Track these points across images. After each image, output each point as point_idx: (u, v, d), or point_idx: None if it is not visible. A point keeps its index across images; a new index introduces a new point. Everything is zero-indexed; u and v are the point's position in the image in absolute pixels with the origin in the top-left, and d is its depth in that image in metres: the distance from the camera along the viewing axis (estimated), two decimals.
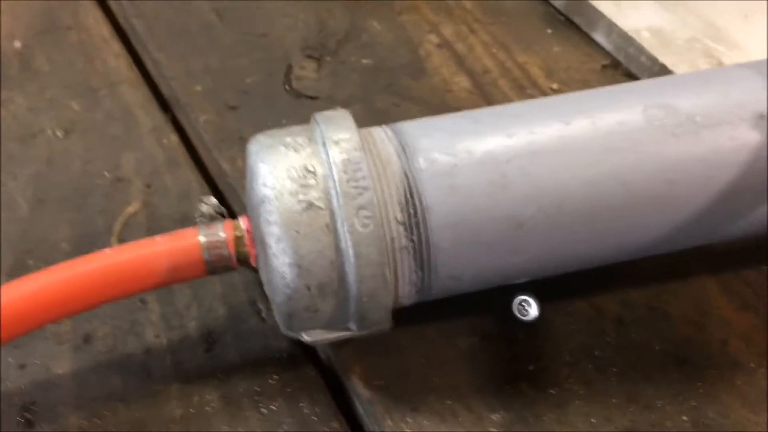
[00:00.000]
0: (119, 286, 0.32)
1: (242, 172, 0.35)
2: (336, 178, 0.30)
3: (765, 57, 0.38)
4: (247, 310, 0.38)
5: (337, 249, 0.30)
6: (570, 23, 0.55)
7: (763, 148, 0.32)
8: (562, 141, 0.32)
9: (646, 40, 0.50)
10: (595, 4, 0.53)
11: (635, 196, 0.32)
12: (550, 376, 0.35)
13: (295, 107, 0.49)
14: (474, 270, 0.32)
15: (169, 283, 0.33)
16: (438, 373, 0.35)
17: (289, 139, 0.32)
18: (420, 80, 0.51)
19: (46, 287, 0.32)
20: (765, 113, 0.32)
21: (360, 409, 0.35)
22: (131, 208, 0.43)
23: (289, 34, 0.54)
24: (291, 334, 0.33)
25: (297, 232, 0.30)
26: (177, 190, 0.44)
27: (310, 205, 0.30)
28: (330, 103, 0.49)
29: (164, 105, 0.50)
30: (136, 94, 0.50)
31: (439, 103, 0.49)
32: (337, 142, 0.31)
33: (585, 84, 0.50)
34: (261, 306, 0.38)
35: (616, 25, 0.51)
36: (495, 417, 0.34)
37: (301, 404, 0.35)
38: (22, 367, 0.36)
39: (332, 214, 0.30)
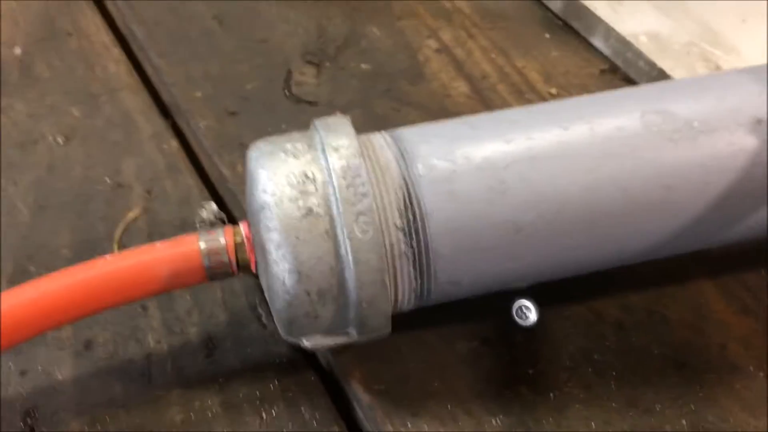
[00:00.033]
0: (120, 292, 0.32)
1: (242, 178, 0.35)
2: (335, 184, 0.30)
3: (762, 61, 0.38)
4: (247, 315, 0.38)
5: (337, 255, 0.30)
6: (568, 28, 0.56)
7: (761, 153, 0.32)
8: (561, 147, 0.32)
9: (644, 44, 0.50)
10: (593, 8, 0.53)
11: (634, 201, 0.32)
12: (550, 380, 0.36)
13: (294, 113, 0.49)
14: (473, 276, 0.32)
15: (169, 289, 0.33)
16: (438, 377, 0.36)
17: (288, 146, 0.32)
18: (419, 85, 0.51)
19: (47, 294, 0.32)
20: (762, 118, 0.32)
21: (360, 413, 0.35)
22: (132, 214, 0.43)
23: (288, 40, 0.54)
24: (291, 339, 0.33)
25: (297, 238, 0.30)
26: (177, 195, 0.44)
27: (310, 212, 0.30)
28: (330, 108, 0.49)
29: (164, 111, 0.50)
30: (136, 100, 0.50)
31: (437, 108, 0.49)
32: (336, 149, 0.31)
33: (583, 88, 0.51)
34: (261, 311, 0.38)
35: (614, 30, 0.52)
36: (495, 421, 0.34)
37: (301, 409, 0.35)
38: (23, 373, 0.36)
39: (332, 220, 0.30)
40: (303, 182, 0.30)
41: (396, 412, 0.34)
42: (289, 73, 0.52)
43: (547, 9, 0.57)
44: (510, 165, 0.31)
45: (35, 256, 0.41)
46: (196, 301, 0.39)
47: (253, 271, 0.33)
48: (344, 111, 0.48)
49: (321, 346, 0.33)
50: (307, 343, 0.33)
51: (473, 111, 0.49)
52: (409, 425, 0.34)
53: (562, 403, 0.35)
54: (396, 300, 0.32)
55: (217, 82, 0.51)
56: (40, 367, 0.36)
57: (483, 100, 0.50)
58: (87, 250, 0.41)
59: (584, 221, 0.32)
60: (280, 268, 0.30)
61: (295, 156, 0.31)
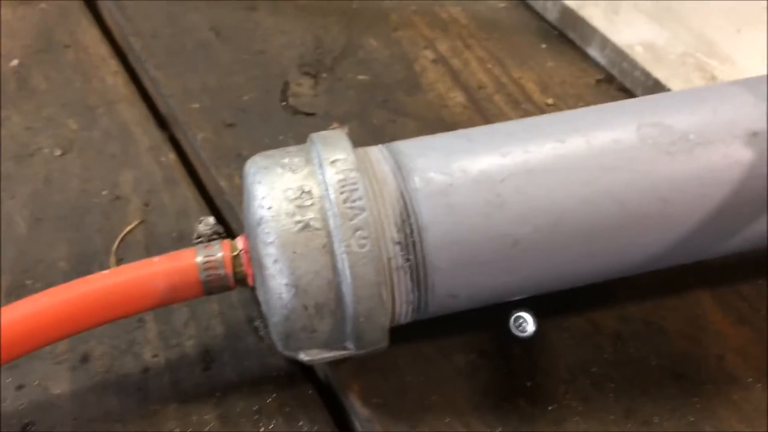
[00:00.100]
0: (117, 307, 0.32)
1: (240, 190, 0.35)
2: (332, 198, 0.30)
3: (757, 71, 0.38)
4: (244, 328, 0.38)
5: (334, 269, 0.30)
6: (564, 38, 0.56)
7: (757, 165, 0.32)
8: (557, 160, 0.32)
9: (639, 54, 0.50)
10: (589, 19, 0.53)
11: (630, 214, 0.32)
12: (548, 393, 0.36)
13: (292, 124, 0.49)
14: (471, 289, 0.32)
15: (167, 303, 0.33)
16: (436, 390, 0.36)
17: (285, 160, 0.32)
18: (416, 96, 0.51)
19: (45, 309, 0.32)
20: (758, 131, 0.32)
21: (358, 427, 0.35)
22: (129, 227, 0.43)
23: (285, 52, 0.54)
24: (288, 353, 0.33)
25: (294, 252, 0.30)
26: (175, 208, 0.44)
27: (307, 226, 0.30)
28: (327, 119, 0.49)
29: (162, 123, 0.50)
30: (133, 113, 0.50)
31: (434, 118, 0.50)
32: (333, 163, 0.31)
33: (579, 98, 0.51)
34: (258, 324, 0.38)
35: (609, 40, 0.52)
36: None
37: (299, 423, 0.35)
38: (19, 387, 0.36)
39: (329, 234, 0.30)
40: (300, 197, 0.30)
41: (394, 426, 0.34)
42: (286, 84, 0.52)
43: (543, 19, 0.57)
44: (507, 178, 0.31)
45: (32, 269, 0.41)
46: (193, 315, 0.39)
47: (251, 284, 0.33)
48: (341, 122, 0.49)
49: (318, 360, 0.33)
50: (304, 356, 0.33)
51: (470, 121, 0.49)
52: None
53: (560, 415, 0.35)
54: (393, 313, 0.32)
55: (214, 93, 0.51)
56: (36, 382, 0.36)
57: (480, 111, 0.50)
58: (84, 263, 0.41)
59: (581, 234, 0.32)
60: (278, 282, 0.30)
61: (292, 170, 0.31)
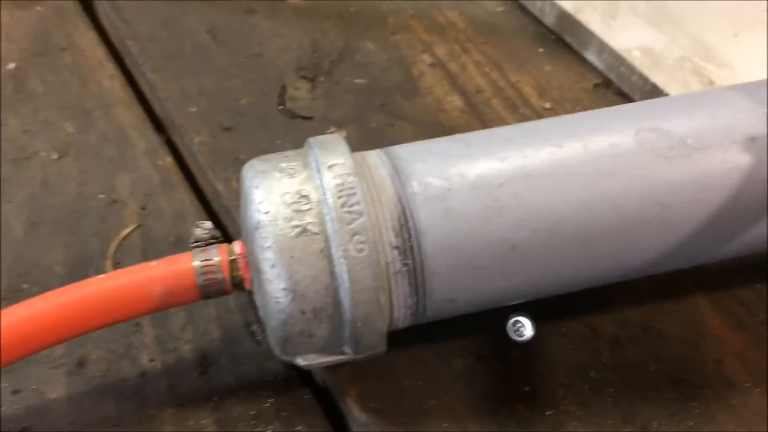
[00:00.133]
0: (114, 311, 0.32)
1: (237, 194, 0.35)
2: (330, 203, 0.30)
3: (755, 76, 0.38)
4: (241, 333, 0.38)
5: (332, 274, 0.30)
6: (562, 42, 0.56)
7: (754, 170, 0.32)
8: (555, 164, 0.32)
9: (637, 59, 0.50)
10: (587, 23, 0.53)
11: (628, 219, 0.32)
12: (546, 397, 0.35)
13: (289, 127, 0.49)
14: (469, 293, 0.32)
15: (164, 307, 0.33)
16: (434, 395, 0.35)
17: (283, 165, 0.32)
18: (413, 100, 0.51)
19: (41, 313, 0.32)
20: (756, 136, 0.32)
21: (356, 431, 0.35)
22: (126, 230, 0.43)
23: (282, 55, 0.54)
24: (286, 358, 0.33)
25: (292, 257, 0.30)
26: (172, 211, 0.44)
27: (305, 231, 0.30)
28: (324, 123, 0.49)
29: (159, 126, 0.50)
30: (130, 116, 0.50)
31: (432, 122, 0.50)
32: (331, 167, 0.31)
33: (577, 102, 0.51)
34: (256, 329, 0.38)
35: (607, 45, 0.52)
36: None
37: (297, 428, 0.35)
38: (16, 392, 0.36)
39: (327, 239, 0.30)
40: (298, 201, 0.30)
41: (392, 431, 0.34)
42: (284, 87, 0.52)
43: (541, 23, 0.58)
44: (505, 183, 0.31)
45: (29, 272, 0.41)
46: (191, 319, 0.39)
47: (248, 289, 0.33)
48: (339, 126, 0.49)
49: (316, 365, 0.33)
50: (302, 361, 0.33)
51: (467, 125, 0.49)
52: None
53: (558, 420, 0.35)
54: (391, 318, 0.32)
55: (211, 97, 0.51)
56: (33, 386, 0.36)
57: (477, 115, 0.50)
58: (81, 266, 0.41)
59: (579, 239, 0.32)
60: (275, 287, 0.30)
61: (289, 175, 0.31)
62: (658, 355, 0.37)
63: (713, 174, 0.32)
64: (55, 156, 0.47)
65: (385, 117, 0.50)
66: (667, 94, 0.48)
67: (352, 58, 0.54)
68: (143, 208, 0.44)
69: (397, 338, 0.34)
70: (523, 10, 0.59)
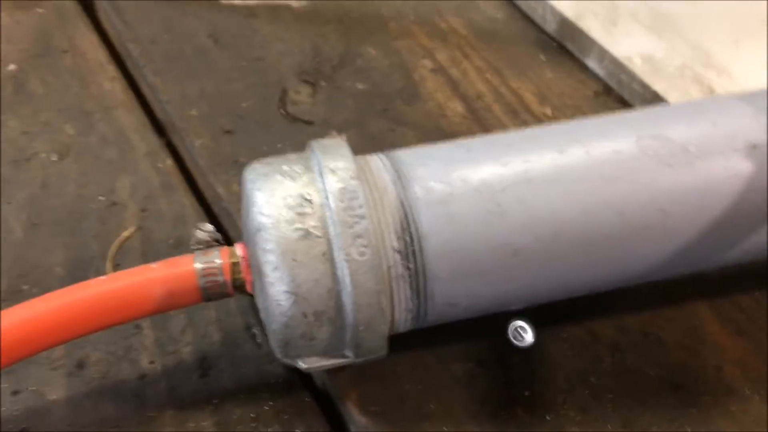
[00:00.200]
0: (115, 313, 0.32)
1: (237, 197, 0.35)
2: (333, 206, 0.30)
3: (755, 83, 0.38)
4: (242, 335, 0.38)
5: (334, 277, 0.30)
6: (563, 49, 0.56)
7: (756, 178, 0.32)
8: (557, 170, 0.32)
9: (637, 66, 0.51)
10: (588, 30, 0.54)
11: (630, 225, 0.32)
12: (546, 402, 0.35)
13: (290, 132, 0.49)
14: (470, 298, 0.32)
15: (164, 310, 0.33)
16: (434, 399, 0.35)
17: (285, 168, 0.32)
18: (414, 105, 0.51)
19: (41, 315, 0.31)
20: (757, 143, 0.33)
21: None
22: (126, 233, 0.43)
23: (284, 59, 0.54)
24: (287, 360, 0.33)
25: (294, 260, 0.30)
26: (172, 214, 0.44)
27: (307, 234, 0.30)
28: (325, 127, 0.49)
29: (159, 129, 0.50)
30: (131, 118, 0.50)
31: (433, 127, 0.50)
32: (333, 171, 0.31)
33: (578, 109, 0.51)
34: (256, 331, 0.38)
35: (608, 52, 0.52)
36: None
37: (296, 431, 0.35)
38: (15, 393, 0.36)
39: (329, 242, 0.30)
40: (300, 204, 0.30)
41: None
42: (285, 91, 0.52)
43: (542, 30, 0.58)
44: (507, 188, 0.32)
45: (28, 274, 0.41)
46: (191, 321, 0.38)
47: (250, 291, 0.33)
48: (340, 130, 0.49)
49: (317, 368, 0.33)
50: (303, 364, 0.33)
51: (468, 131, 0.49)
52: None
53: (558, 425, 0.35)
54: (393, 321, 0.32)
55: (212, 100, 0.51)
56: (32, 387, 0.36)
57: (478, 120, 0.50)
58: (81, 268, 0.41)
59: (581, 244, 0.32)
60: (277, 290, 0.30)
61: (292, 178, 0.31)
62: (658, 361, 0.37)
63: (715, 181, 0.32)
64: (55, 158, 0.47)
65: (386, 122, 0.50)
66: (667, 102, 0.48)
67: (353, 63, 0.55)
68: (143, 211, 0.44)
69: (398, 342, 0.34)
70: (525, 16, 0.59)
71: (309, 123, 0.50)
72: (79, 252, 0.42)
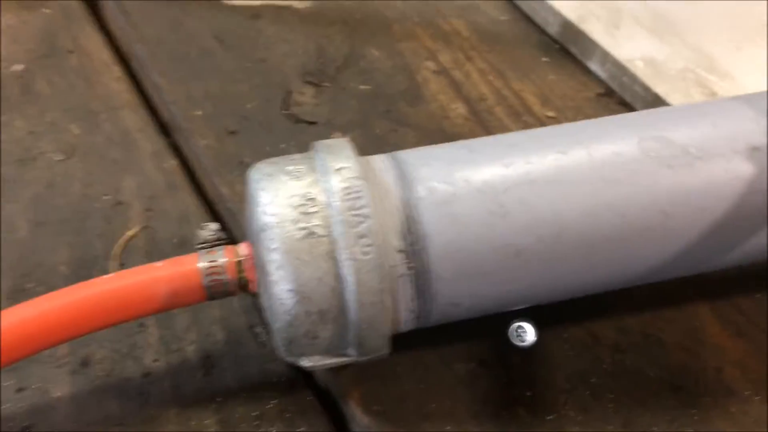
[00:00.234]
0: (119, 311, 0.32)
1: (241, 197, 0.35)
2: (337, 206, 0.30)
3: (757, 88, 0.39)
4: (245, 334, 0.38)
5: (338, 276, 0.30)
6: (565, 52, 0.56)
7: (757, 180, 0.32)
8: (559, 171, 0.32)
9: (640, 69, 0.51)
10: (590, 33, 0.54)
11: (632, 227, 0.32)
12: (547, 402, 0.36)
13: (294, 132, 0.49)
14: (473, 298, 0.32)
15: (168, 308, 0.33)
16: (435, 398, 0.36)
17: (290, 168, 0.32)
18: (417, 106, 0.52)
19: (45, 312, 0.32)
20: (758, 146, 0.33)
21: None
22: (130, 232, 0.43)
23: (288, 61, 0.55)
24: (290, 359, 0.33)
25: (298, 259, 0.30)
26: (176, 214, 0.45)
27: (311, 233, 0.30)
28: (329, 128, 0.49)
29: (164, 129, 0.51)
30: (136, 119, 0.51)
31: (436, 129, 0.50)
32: (337, 171, 0.31)
33: (580, 111, 0.51)
34: (260, 330, 0.38)
35: (610, 55, 0.52)
36: None
37: (299, 429, 0.35)
38: (19, 390, 0.36)
39: (333, 241, 0.30)
40: (304, 204, 0.31)
41: None
42: (289, 93, 0.52)
43: (545, 33, 0.58)
44: (509, 189, 0.32)
45: (33, 273, 0.41)
46: (195, 320, 0.39)
47: (253, 291, 0.33)
48: (343, 131, 0.49)
49: (320, 366, 0.33)
50: (306, 362, 0.33)
51: (471, 133, 0.50)
52: None
53: (559, 425, 0.35)
54: (395, 321, 0.32)
55: (217, 101, 0.51)
56: (36, 385, 0.36)
57: (481, 122, 0.50)
58: (85, 267, 0.41)
59: (583, 245, 0.32)
60: (281, 289, 0.30)
61: (296, 178, 0.32)
62: (659, 362, 0.37)
63: (716, 183, 0.33)
64: (60, 157, 0.48)
65: (389, 123, 0.50)
66: (669, 105, 0.48)
67: (357, 64, 0.55)
68: (148, 210, 0.45)
69: (400, 341, 0.34)
70: (527, 19, 0.59)
71: (312, 124, 0.50)
72: (84, 251, 0.42)
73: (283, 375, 0.37)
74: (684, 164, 0.33)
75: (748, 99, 0.36)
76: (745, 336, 0.38)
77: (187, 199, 0.45)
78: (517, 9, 0.60)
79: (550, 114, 0.51)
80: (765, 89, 0.37)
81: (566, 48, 0.56)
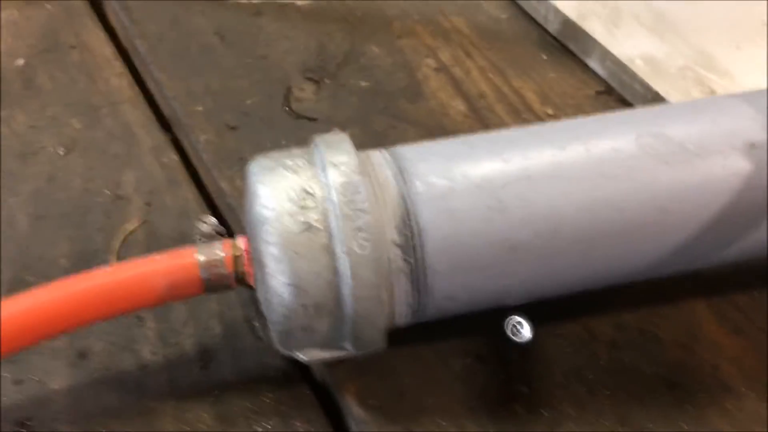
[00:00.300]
0: (117, 303, 0.33)
1: (241, 192, 0.35)
2: (335, 200, 0.30)
3: (755, 86, 0.39)
4: (243, 328, 0.39)
5: (335, 270, 0.30)
6: (565, 49, 0.56)
7: (754, 176, 0.33)
8: (557, 167, 0.32)
9: (639, 67, 0.51)
10: (590, 31, 0.54)
11: (629, 222, 0.32)
12: (543, 398, 0.36)
13: (294, 128, 0.49)
14: (469, 292, 0.33)
15: (166, 301, 0.33)
16: (432, 393, 0.36)
17: (289, 162, 0.32)
18: (417, 103, 0.52)
19: (43, 304, 0.32)
20: (756, 142, 0.33)
21: (354, 428, 0.35)
22: (130, 226, 0.44)
23: (289, 57, 0.55)
24: (286, 352, 0.33)
25: (295, 252, 0.30)
26: (176, 208, 0.45)
27: (309, 227, 0.30)
28: (329, 124, 0.50)
29: (165, 124, 0.51)
30: (137, 114, 0.51)
31: (435, 126, 0.50)
32: (336, 165, 0.31)
33: (579, 109, 0.51)
34: (257, 324, 0.39)
35: (610, 53, 0.52)
36: None
37: (295, 423, 0.35)
38: (18, 382, 0.36)
39: (331, 235, 0.30)
40: (303, 198, 0.31)
41: (390, 428, 0.34)
42: (289, 89, 0.52)
43: (545, 30, 0.58)
44: (507, 184, 0.32)
45: (33, 266, 0.41)
46: (193, 313, 0.39)
47: (251, 284, 0.33)
48: (343, 127, 0.49)
49: (316, 360, 0.33)
50: (302, 356, 0.33)
51: (471, 130, 0.50)
52: None
53: (554, 420, 0.35)
54: (392, 315, 0.32)
55: (217, 97, 0.51)
56: (34, 377, 0.36)
57: (480, 119, 0.51)
58: (85, 261, 0.42)
59: (580, 241, 0.32)
60: (278, 282, 0.30)
61: (295, 172, 0.32)
62: (655, 359, 0.37)
63: (714, 179, 0.33)
64: (61, 152, 0.48)
65: (388, 120, 0.50)
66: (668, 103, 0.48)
67: (357, 61, 0.55)
68: (148, 205, 0.45)
69: (397, 337, 0.34)
70: (527, 17, 0.59)
71: (313, 120, 0.50)
72: (84, 245, 0.42)
73: (280, 369, 0.37)
74: (682, 161, 0.33)
75: (746, 96, 0.36)
76: (742, 333, 0.38)
77: (187, 194, 0.46)
78: (518, 7, 0.60)
79: (550, 111, 0.51)
80: (763, 87, 0.37)
81: (566, 46, 0.56)
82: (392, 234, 0.31)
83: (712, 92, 0.49)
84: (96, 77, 0.53)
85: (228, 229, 0.44)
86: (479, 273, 0.32)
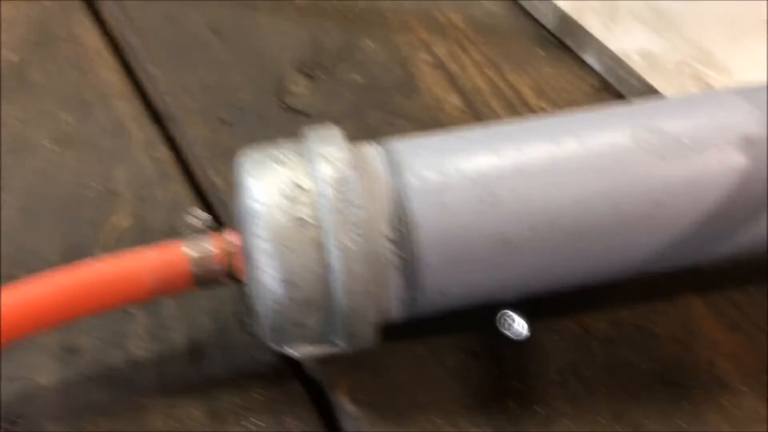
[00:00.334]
0: (105, 298, 0.32)
1: (233, 187, 0.35)
2: (326, 193, 0.30)
3: (752, 81, 0.38)
4: (233, 324, 0.38)
5: (326, 264, 0.30)
6: (561, 44, 0.56)
7: (750, 171, 0.32)
8: (552, 161, 0.32)
9: (636, 62, 0.50)
10: (587, 26, 0.54)
11: (625, 217, 0.32)
12: (538, 395, 0.35)
13: (288, 123, 0.49)
14: (462, 288, 0.32)
15: (156, 295, 0.33)
16: (425, 389, 0.35)
17: (279, 154, 0.32)
18: (412, 98, 0.51)
19: (28, 298, 0.31)
20: (752, 137, 0.33)
21: (346, 425, 0.35)
22: (122, 221, 0.43)
23: (283, 52, 0.54)
24: (277, 347, 0.33)
25: (286, 246, 0.30)
26: (168, 203, 0.44)
27: (300, 221, 0.30)
28: (323, 119, 0.49)
29: (157, 119, 0.50)
30: (129, 108, 0.50)
31: (431, 121, 0.50)
32: (327, 158, 0.31)
33: (575, 104, 0.51)
34: (248, 320, 0.38)
35: (607, 48, 0.52)
36: None
37: (286, 419, 0.35)
38: (5, 379, 0.36)
39: (322, 229, 0.30)
40: (293, 191, 0.30)
41: (382, 425, 0.34)
42: (284, 84, 0.52)
43: (541, 26, 0.58)
44: (501, 178, 0.31)
45: (24, 260, 0.41)
46: (182, 309, 0.38)
47: (242, 278, 0.33)
48: (337, 122, 0.48)
49: (308, 356, 0.33)
50: (293, 351, 0.33)
51: (466, 125, 0.49)
52: None
53: (549, 417, 0.35)
54: (384, 310, 0.32)
55: (211, 91, 0.51)
56: (22, 373, 0.36)
57: (476, 115, 0.50)
58: (76, 255, 0.41)
59: (575, 235, 0.32)
60: (268, 276, 0.30)
61: (286, 165, 0.31)
62: (651, 355, 0.37)
63: (709, 174, 0.32)
64: (53, 146, 0.47)
65: (383, 115, 0.50)
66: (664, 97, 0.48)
67: (352, 56, 0.55)
68: (140, 200, 0.44)
69: (390, 333, 0.34)
70: (524, 12, 0.59)
71: (307, 115, 0.50)
72: (75, 239, 0.42)
73: (272, 365, 0.36)
74: (677, 155, 0.32)
75: (742, 91, 0.35)
76: (739, 329, 0.38)
77: (179, 189, 0.45)
78: (514, 2, 0.60)
79: (546, 107, 0.51)
80: (760, 81, 0.37)
81: (562, 41, 0.56)
82: (385, 228, 0.31)
83: (709, 87, 0.48)
84: (88, 71, 0.53)
85: (220, 224, 0.43)
86: (473, 267, 0.32)
